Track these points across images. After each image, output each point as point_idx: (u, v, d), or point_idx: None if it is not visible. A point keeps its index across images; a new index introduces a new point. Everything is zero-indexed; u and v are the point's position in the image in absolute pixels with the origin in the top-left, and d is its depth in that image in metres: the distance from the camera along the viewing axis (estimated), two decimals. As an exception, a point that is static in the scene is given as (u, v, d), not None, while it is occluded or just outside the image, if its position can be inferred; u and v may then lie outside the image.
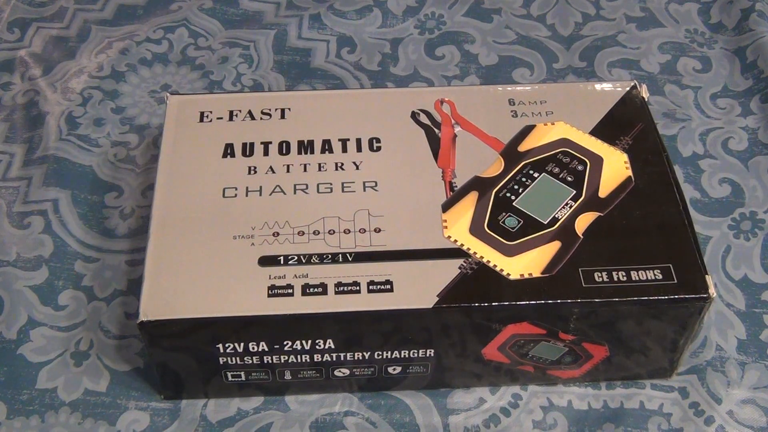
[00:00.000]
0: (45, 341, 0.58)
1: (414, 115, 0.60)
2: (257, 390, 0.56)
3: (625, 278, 0.51)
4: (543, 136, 0.59)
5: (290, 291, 0.51)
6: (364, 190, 0.55)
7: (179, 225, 0.53)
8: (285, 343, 0.52)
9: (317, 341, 0.52)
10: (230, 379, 0.54)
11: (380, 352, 0.53)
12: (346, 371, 0.54)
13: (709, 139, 0.70)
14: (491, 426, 0.55)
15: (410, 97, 0.61)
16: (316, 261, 0.52)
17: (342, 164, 0.57)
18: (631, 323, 0.52)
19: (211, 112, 0.60)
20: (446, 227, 0.54)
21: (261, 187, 0.56)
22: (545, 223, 0.54)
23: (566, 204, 0.55)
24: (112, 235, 0.64)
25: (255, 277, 0.51)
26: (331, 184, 0.56)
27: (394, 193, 0.55)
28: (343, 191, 0.55)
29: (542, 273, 0.51)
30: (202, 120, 0.59)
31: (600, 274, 0.51)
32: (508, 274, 0.51)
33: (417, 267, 0.52)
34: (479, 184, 0.56)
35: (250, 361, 0.53)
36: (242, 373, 0.54)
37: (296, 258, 0.52)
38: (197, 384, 0.55)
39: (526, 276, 0.51)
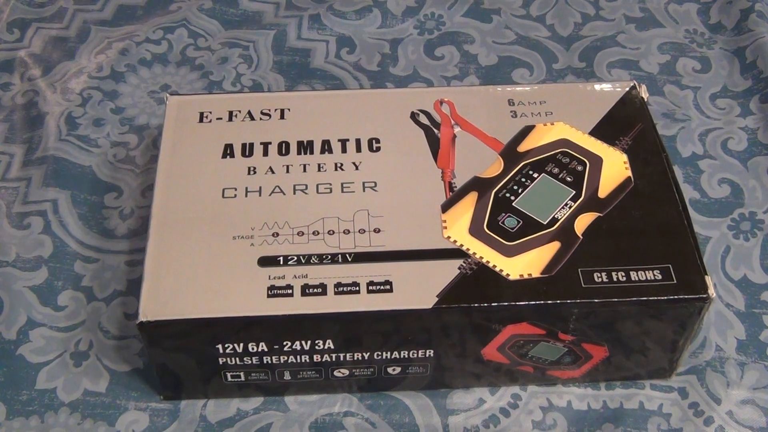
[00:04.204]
0: (44, 342, 0.58)
1: (413, 116, 0.60)
2: (257, 390, 0.56)
3: (624, 278, 0.51)
4: (542, 136, 0.59)
5: (290, 291, 0.51)
6: (364, 191, 0.55)
7: (179, 225, 0.54)
8: (284, 343, 0.52)
9: (317, 342, 0.52)
10: (230, 379, 0.54)
11: (380, 353, 0.53)
12: (346, 372, 0.54)
13: (708, 139, 0.70)
14: (491, 426, 0.55)
15: (410, 97, 0.61)
16: (316, 261, 0.52)
17: (341, 164, 0.57)
18: (630, 324, 0.52)
19: (210, 112, 0.60)
20: (446, 227, 0.54)
21: (260, 188, 0.56)
22: (545, 223, 0.54)
23: (566, 204, 0.55)
24: (112, 235, 0.64)
25: (254, 277, 0.51)
26: (330, 184, 0.56)
27: (393, 194, 0.55)
28: (342, 191, 0.55)
29: (542, 273, 0.51)
30: (201, 120, 0.60)
31: (599, 275, 0.51)
32: (508, 275, 0.51)
33: (416, 267, 0.52)
34: (479, 185, 0.56)
35: (250, 362, 0.53)
36: (242, 374, 0.54)
37: (296, 258, 0.52)
38: (197, 384, 0.55)
39: (526, 276, 0.51)
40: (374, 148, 0.58)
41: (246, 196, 0.55)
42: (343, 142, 0.58)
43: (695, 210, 0.66)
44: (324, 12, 0.79)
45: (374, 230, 0.53)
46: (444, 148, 0.58)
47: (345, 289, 0.51)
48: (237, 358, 0.52)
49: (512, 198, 0.55)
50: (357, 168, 0.57)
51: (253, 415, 0.56)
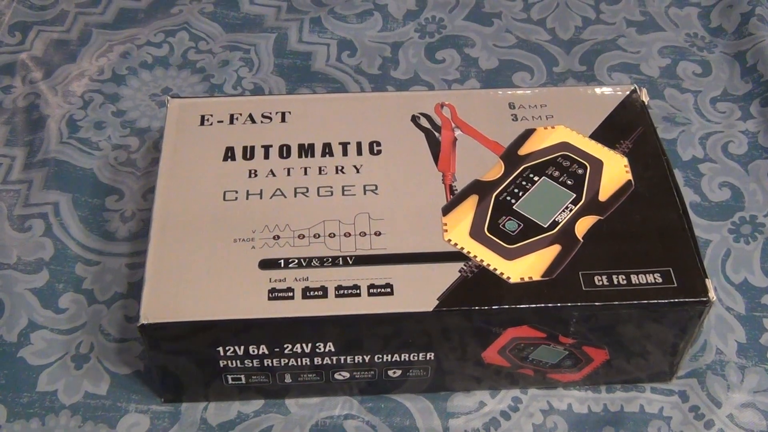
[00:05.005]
0: (45, 344, 0.58)
1: (414, 119, 0.60)
2: (257, 393, 0.56)
3: (625, 282, 0.51)
4: (543, 139, 0.59)
5: (290, 294, 0.51)
6: (365, 194, 0.56)
7: (180, 228, 0.54)
8: (285, 346, 0.52)
9: (317, 344, 0.52)
10: (230, 382, 0.54)
11: (380, 356, 0.53)
12: (347, 374, 0.54)
13: (708, 142, 0.70)
14: (491, 429, 0.55)
15: (410, 100, 0.61)
16: (317, 264, 0.52)
17: (342, 167, 0.57)
18: (631, 327, 0.52)
19: (211, 115, 0.60)
20: (446, 230, 0.54)
21: (261, 191, 0.56)
22: (545, 226, 0.54)
23: (566, 207, 0.55)
24: (113, 238, 0.64)
25: (255, 280, 0.51)
26: (331, 187, 0.56)
27: (394, 197, 0.55)
28: (343, 194, 0.55)
29: (542, 276, 0.52)
30: (202, 123, 0.60)
31: (600, 278, 0.51)
32: (509, 278, 0.51)
33: (417, 270, 0.52)
34: (479, 188, 0.56)
35: (251, 364, 0.53)
36: (242, 376, 0.54)
37: (297, 261, 0.52)
38: (197, 387, 0.55)
39: (526, 279, 0.51)
40: (375, 151, 0.58)
41: (247, 198, 0.55)
42: (344, 145, 0.58)
43: (696, 213, 0.66)
44: (325, 15, 0.79)
45: (375, 233, 0.53)
46: (445, 151, 0.58)
47: (346, 291, 0.51)
48: (238, 361, 0.52)
49: (513, 201, 0.55)
50: (358, 171, 0.57)
51: (253, 417, 0.56)
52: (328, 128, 0.59)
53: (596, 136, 0.59)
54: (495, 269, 0.52)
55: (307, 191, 0.56)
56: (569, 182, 0.56)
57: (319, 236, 0.53)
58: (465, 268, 0.52)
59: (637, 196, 0.56)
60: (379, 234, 0.53)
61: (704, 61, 0.76)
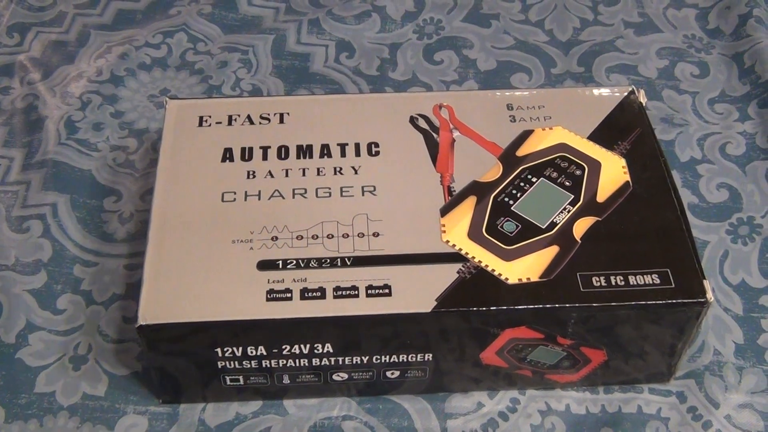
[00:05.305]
0: (43, 345, 0.58)
1: (412, 120, 0.60)
2: (256, 394, 0.56)
3: (623, 283, 0.51)
4: (541, 140, 0.59)
5: (289, 295, 0.51)
6: (363, 195, 0.56)
7: (178, 229, 0.54)
8: (283, 347, 0.52)
9: (316, 345, 0.52)
10: (229, 383, 0.54)
11: (379, 357, 0.53)
12: (345, 375, 0.54)
13: (706, 144, 0.71)
14: (489, 430, 0.55)
15: (409, 101, 0.62)
16: (315, 265, 0.52)
17: (341, 169, 0.57)
18: (629, 328, 0.52)
19: (210, 116, 0.60)
20: (445, 232, 0.54)
21: (260, 192, 0.56)
22: (543, 227, 0.54)
23: (564, 208, 0.55)
24: (111, 239, 0.64)
25: (254, 281, 0.51)
26: (329, 188, 0.56)
27: (392, 198, 0.55)
28: (341, 195, 0.55)
29: (540, 277, 0.52)
30: (201, 124, 0.60)
31: (598, 279, 0.51)
32: (507, 279, 0.51)
33: (415, 271, 0.52)
34: (478, 189, 0.56)
35: (249, 365, 0.53)
36: (241, 377, 0.54)
37: (295, 262, 0.52)
38: (195, 388, 0.55)
39: (525, 280, 0.51)
40: (373, 153, 0.58)
41: (245, 200, 0.55)
42: (342, 147, 0.58)
43: (693, 214, 0.66)
44: (323, 17, 0.79)
45: (373, 234, 0.53)
46: (443, 152, 0.58)
47: (344, 292, 0.51)
48: (236, 362, 0.52)
49: (511, 202, 0.55)
50: (356, 172, 0.57)
51: (252, 418, 0.56)
52: (327, 129, 0.59)
53: (594, 137, 0.59)
54: (493, 270, 0.52)
55: (306, 192, 0.56)
56: (567, 183, 0.56)
57: (317, 237, 0.53)
58: (463, 269, 0.52)
59: (635, 197, 0.56)
60: (378, 235, 0.53)
61: (702, 62, 0.77)
